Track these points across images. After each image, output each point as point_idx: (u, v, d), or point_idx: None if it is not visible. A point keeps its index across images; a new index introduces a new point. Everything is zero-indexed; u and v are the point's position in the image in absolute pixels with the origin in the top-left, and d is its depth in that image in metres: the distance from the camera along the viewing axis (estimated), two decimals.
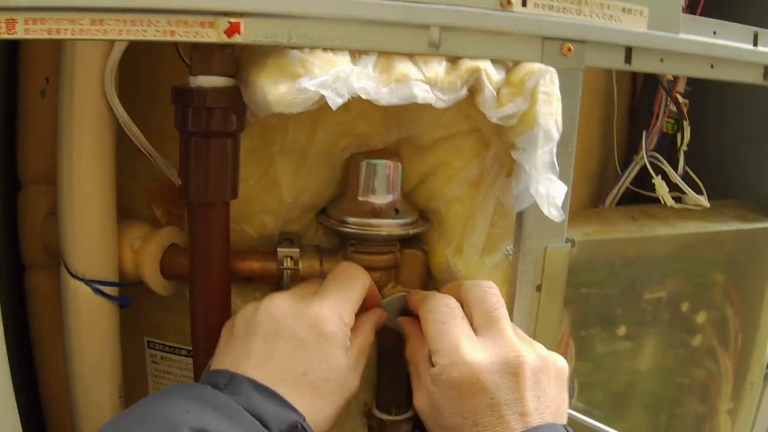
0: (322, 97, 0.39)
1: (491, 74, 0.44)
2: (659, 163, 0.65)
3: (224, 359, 0.43)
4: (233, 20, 0.38)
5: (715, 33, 0.54)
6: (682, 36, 0.52)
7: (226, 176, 0.45)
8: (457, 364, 0.42)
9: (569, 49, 0.47)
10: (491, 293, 0.46)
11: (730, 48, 0.55)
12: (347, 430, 0.55)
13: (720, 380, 0.67)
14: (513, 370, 0.42)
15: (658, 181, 0.65)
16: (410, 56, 0.43)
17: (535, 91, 0.44)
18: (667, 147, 0.67)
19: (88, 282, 0.48)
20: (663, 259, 0.61)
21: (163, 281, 0.51)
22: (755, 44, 0.57)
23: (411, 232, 0.51)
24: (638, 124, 0.70)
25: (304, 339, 0.42)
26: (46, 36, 0.36)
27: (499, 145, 0.50)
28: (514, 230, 0.51)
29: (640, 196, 0.68)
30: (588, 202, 0.71)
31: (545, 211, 0.45)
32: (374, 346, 0.52)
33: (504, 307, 0.46)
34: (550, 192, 0.45)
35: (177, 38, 0.38)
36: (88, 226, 0.48)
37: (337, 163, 0.52)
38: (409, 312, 0.51)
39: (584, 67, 0.48)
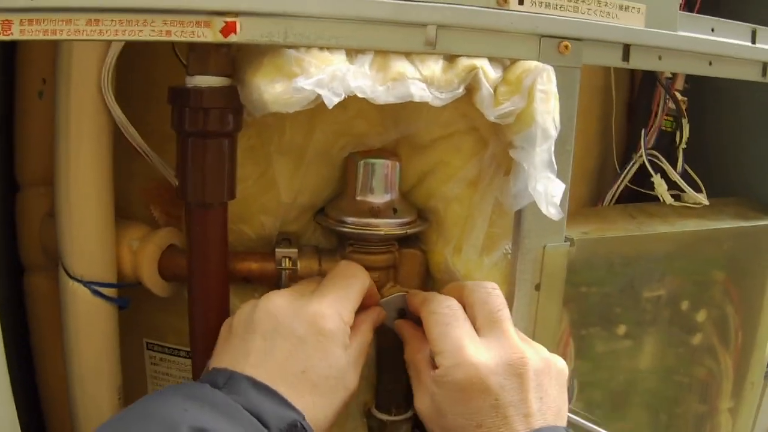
0: (319, 96, 0.39)
1: (488, 72, 0.44)
2: (658, 161, 0.65)
3: (223, 358, 0.43)
4: (229, 19, 0.38)
5: (713, 30, 0.54)
6: (680, 33, 0.52)
7: (223, 177, 0.45)
8: (462, 366, 0.42)
9: (566, 47, 0.47)
10: (494, 294, 0.46)
11: (729, 45, 0.55)
12: (347, 430, 0.55)
13: (720, 379, 0.67)
14: (517, 372, 0.42)
15: (657, 179, 0.65)
16: (407, 55, 0.43)
17: (532, 89, 0.44)
18: (665, 145, 0.67)
19: (87, 283, 0.48)
20: (662, 258, 0.60)
21: (161, 282, 0.51)
22: (753, 41, 0.57)
23: (409, 231, 0.51)
24: (637, 122, 0.70)
25: (303, 337, 0.42)
26: (42, 37, 0.36)
27: (497, 144, 0.50)
28: (513, 229, 0.51)
29: (639, 195, 0.68)
30: (587, 200, 0.71)
31: (544, 210, 0.45)
32: (373, 346, 0.52)
33: (507, 308, 0.46)
34: (548, 190, 0.44)
35: (173, 38, 0.38)
36: (86, 228, 0.48)
37: (335, 162, 0.52)
38: (407, 311, 0.51)
39: (582, 64, 0.48)
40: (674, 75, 0.67)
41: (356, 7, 0.41)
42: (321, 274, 0.50)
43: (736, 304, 0.65)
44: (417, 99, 0.42)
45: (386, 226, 0.50)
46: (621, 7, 0.49)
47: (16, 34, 0.36)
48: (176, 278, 0.51)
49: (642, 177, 0.67)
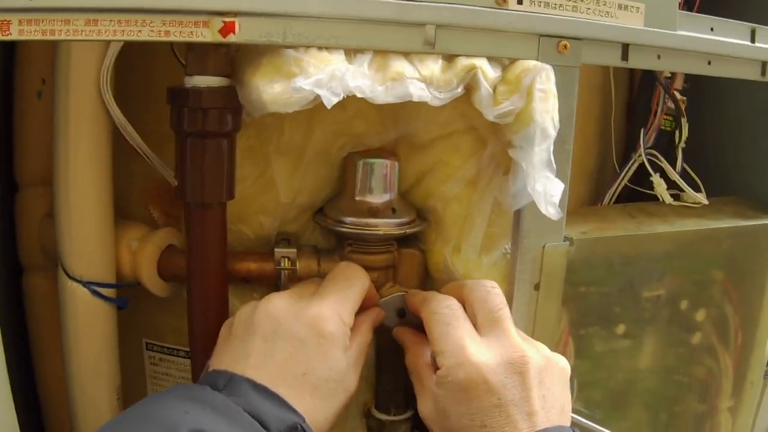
0: (318, 96, 0.39)
1: (487, 72, 0.44)
2: (657, 161, 0.65)
3: (223, 359, 0.43)
4: (228, 20, 0.38)
5: (712, 29, 0.54)
6: (680, 32, 0.52)
7: (222, 177, 0.45)
8: (463, 366, 0.42)
9: (565, 47, 0.47)
10: (494, 293, 0.46)
11: (728, 44, 0.55)
12: (347, 430, 0.55)
13: (720, 378, 0.67)
14: (518, 370, 0.42)
15: (656, 179, 0.65)
16: (406, 54, 0.43)
17: (531, 88, 0.44)
18: (665, 144, 0.67)
19: (86, 284, 0.48)
20: (662, 257, 0.60)
21: (160, 282, 0.51)
22: (753, 41, 0.57)
23: (408, 231, 0.51)
24: (636, 122, 0.70)
25: (303, 339, 0.42)
26: (40, 37, 0.36)
27: (496, 144, 0.50)
28: (512, 229, 0.51)
29: (638, 194, 0.68)
30: (586, 200, 0.71)
31: (543, 210, 0.45)
32: (372, 347, 0.52)
33: (507, 307, 0.46)
34: (547, 190, 0.44)
35: (172, 38, 0.38)
36: (85, 228, 0.48)
37: (334, 162, 0.52)
38: (407, 311, 0.51)
39: (581, 64, 0.48)
40: (673, 74, 0.67)
41: (355, 7, 0.41)
42: (320, 274, 0.50)
43: (736, 304, 0.65)
44: (416, 99, 0.42)
45: (385, 226, 0.50)
46: (620, 7, 0.49)
47: (14, 34, 0.36)
48: (175, 278, 0.51)
49: (641, 176, 0.67)
